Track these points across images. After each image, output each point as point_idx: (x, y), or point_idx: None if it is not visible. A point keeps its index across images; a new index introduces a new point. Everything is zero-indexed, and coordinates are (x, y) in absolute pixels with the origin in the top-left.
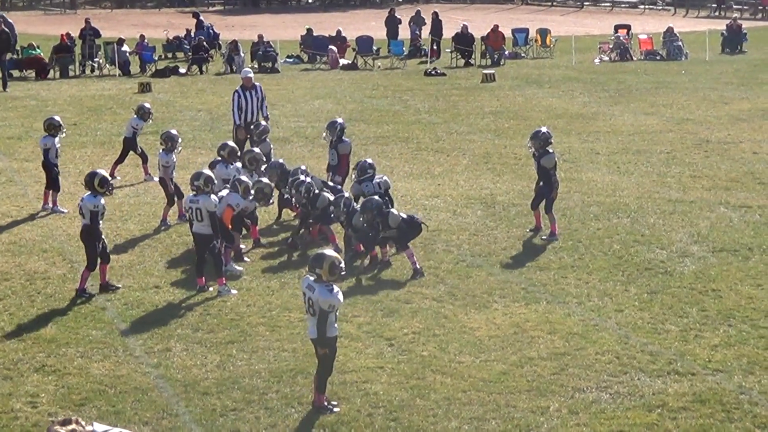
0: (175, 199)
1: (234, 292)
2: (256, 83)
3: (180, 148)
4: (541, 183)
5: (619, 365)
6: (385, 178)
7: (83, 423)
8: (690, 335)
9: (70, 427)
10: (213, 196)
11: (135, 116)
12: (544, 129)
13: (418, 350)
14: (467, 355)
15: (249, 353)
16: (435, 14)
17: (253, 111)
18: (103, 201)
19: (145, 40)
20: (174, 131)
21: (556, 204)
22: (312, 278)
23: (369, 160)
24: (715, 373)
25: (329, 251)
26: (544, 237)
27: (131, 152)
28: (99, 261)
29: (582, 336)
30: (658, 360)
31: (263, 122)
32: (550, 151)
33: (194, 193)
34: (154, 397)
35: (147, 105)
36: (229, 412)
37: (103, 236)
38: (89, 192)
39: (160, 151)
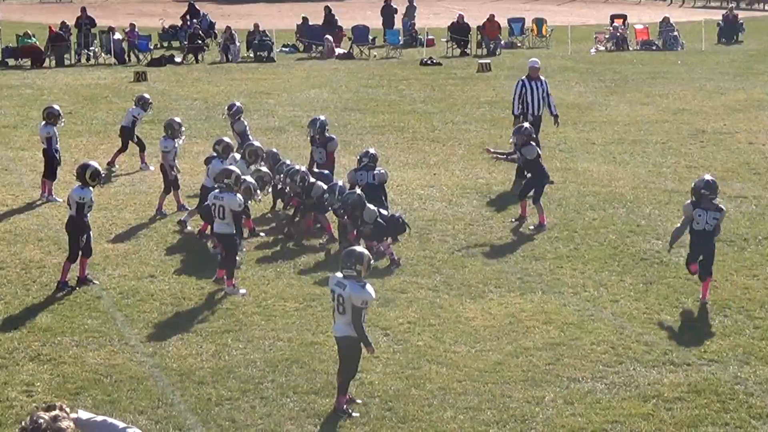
0: (172, 189)
1: (243, 291)
2: (542, 76)
3: (183, 137)
4: (529, 174)
5: (614, 355)
6: (382, 170)
7: (67, 409)
8: (685, 326)
9: (53, 413)
10: (239, 195)
11: (135, 106)
12: (526, 124)
13: (414, 340)
14: (462, 345)
15: (244, 343)
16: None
17: (537, 103)
18: (91, 195)
19: (136, 29)
20: (177, 119)
21: (551, 194)
22: (340, 275)
23: (372, 150)
24: (710, 364)
25: (359, 248)
26: (531, 227)
27: (129, 141)
28: (80, 254)
29: (577, 326)
30: (653, 350)
31: (237, 102)
32: (532, 144)
33: (220, 189)
34: (150, 387)
35: (147, 95)
36: (224, 402)
37: (89, 230)
38: (79, 183)
39: (162, 137)
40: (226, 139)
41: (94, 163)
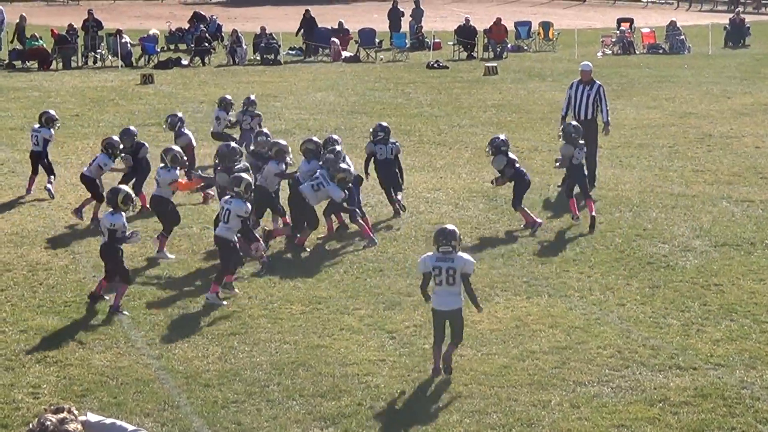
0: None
1: (225, 303)
2: (597, 81)
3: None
4: (514, 182)
5: (620, 359)
6: (397, 143)
7: (76, 412)
8: (692, 330)
9: (61, 415)
10: (248, 203)
11: (218, 108)
12: (501, 136)
13: (420, 343)
14: (469, 349)
15: (250, 345)
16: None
17: (581, 107)
18: (123, 221)
19: (150, 33)
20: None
21: (558, 198)
22: (431, 254)
23: (384, 123)
24: (716, 368)
25: (450, 226)
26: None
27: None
28: (106, 274)
29: (584, 330)
30: (659, 354)
31: (179, 113)
32: (501, 155)
33: (231, 196)
34: (156, 389)
35: (228, 96)
36: (230, 404)
37: (122, 256)
38: (110, 209)
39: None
40: (282, 142)
41: (126, 187)
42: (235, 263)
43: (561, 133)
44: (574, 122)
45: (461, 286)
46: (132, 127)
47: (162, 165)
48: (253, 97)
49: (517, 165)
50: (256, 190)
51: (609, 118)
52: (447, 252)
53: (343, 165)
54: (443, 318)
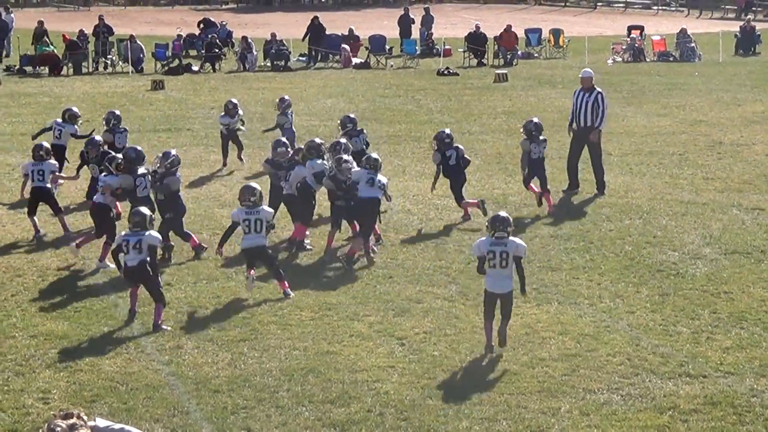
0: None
1: (291, 294)
2: (597, 89)
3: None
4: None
5: (630, 367)
6: (363, 131)
7: (85, 417)
8: (702, 337)
9: (70, 421)
10: (267, 208)
11: (222, 114)
12: (447, 131)
13: (429, 350)
14: (478, 355)
15: (260, 351)
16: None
17: (581, 115)
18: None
19: (180, 39)
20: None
21: (566, 204)
22: (485, 239)
23: (351, 115)
24: (726, 376)
25: (504, 213)
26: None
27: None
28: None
29: (593, 337)
30: (669, 362)
31: (117, 111)
32: (438, 152)
33: (249, 206)
34: (165, 395)
35: (234, 100)
36: (240, 410)
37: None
38: (137, 229)
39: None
40: (301, 146)
41: (146, 209)
42: (277, 262)
43: (522, 129)
44: (535, 119)
45: (513, 269)
46: (97, 137)
47: (106, 173)
48: (287, 97)
49: (452, 163)
50: (284, 198)
51: (602, 125)
52: (501, 237)
53: (345, 156)
54: (495, 299)
